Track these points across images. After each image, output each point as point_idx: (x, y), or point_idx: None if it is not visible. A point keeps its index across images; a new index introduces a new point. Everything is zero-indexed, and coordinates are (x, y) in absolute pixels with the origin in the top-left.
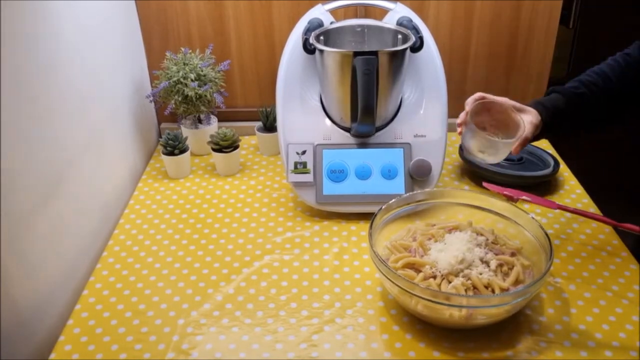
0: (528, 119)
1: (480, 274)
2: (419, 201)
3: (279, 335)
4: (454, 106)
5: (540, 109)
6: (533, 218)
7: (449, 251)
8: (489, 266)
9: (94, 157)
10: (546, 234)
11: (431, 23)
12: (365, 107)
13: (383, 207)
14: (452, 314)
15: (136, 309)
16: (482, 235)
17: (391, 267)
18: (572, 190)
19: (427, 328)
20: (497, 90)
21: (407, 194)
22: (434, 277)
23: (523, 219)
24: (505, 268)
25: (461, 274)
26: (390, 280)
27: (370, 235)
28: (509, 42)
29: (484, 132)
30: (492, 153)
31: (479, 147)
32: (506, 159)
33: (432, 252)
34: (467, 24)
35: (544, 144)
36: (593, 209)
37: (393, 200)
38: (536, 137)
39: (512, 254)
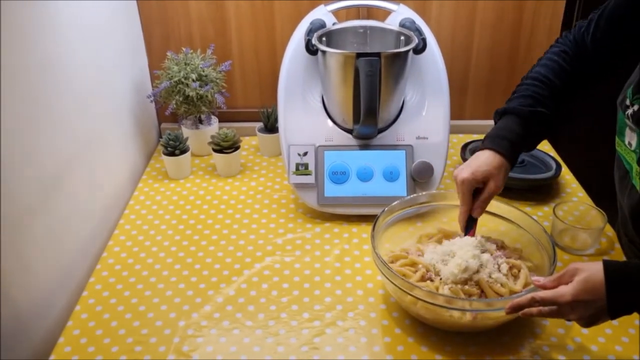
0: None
1: (491, 276)
2: (422, 203)
3: (280, 338)
4: (456, 108)
5: (505, 152)
6: (536, 221)
7: (452, 261)
8: (499, 270)
9: (94, 157)
10: (549, 237)
11: (434, 25)
12: (368, 109)
13: (385, 209)
14: (452, 315)
15: (136, 310)
16: (490, 240)
17: (393, 269)
18: (574, 193)
19: (428, 331)
20: (499, 92)
21: (410, 196)
22: (431, 279)
23: (526, 222)
24: (515, 271)
25: (470, 281)
26: (393, 283)
27: (372, 237)
28: (511, 44)
29: None
30: None
31: None
32: None
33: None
34: (470, 25)
35: (545, 147)
36: (595, 211)
37: (395, 202)
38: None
39: (519, 257)
